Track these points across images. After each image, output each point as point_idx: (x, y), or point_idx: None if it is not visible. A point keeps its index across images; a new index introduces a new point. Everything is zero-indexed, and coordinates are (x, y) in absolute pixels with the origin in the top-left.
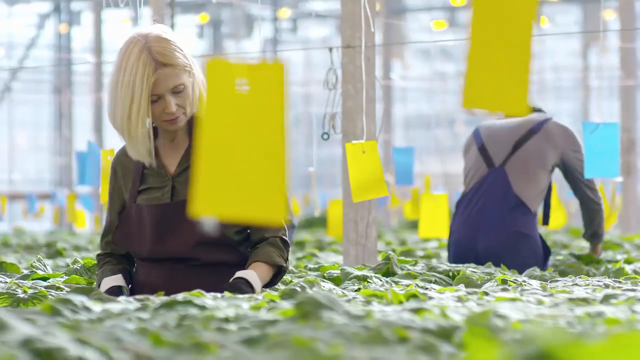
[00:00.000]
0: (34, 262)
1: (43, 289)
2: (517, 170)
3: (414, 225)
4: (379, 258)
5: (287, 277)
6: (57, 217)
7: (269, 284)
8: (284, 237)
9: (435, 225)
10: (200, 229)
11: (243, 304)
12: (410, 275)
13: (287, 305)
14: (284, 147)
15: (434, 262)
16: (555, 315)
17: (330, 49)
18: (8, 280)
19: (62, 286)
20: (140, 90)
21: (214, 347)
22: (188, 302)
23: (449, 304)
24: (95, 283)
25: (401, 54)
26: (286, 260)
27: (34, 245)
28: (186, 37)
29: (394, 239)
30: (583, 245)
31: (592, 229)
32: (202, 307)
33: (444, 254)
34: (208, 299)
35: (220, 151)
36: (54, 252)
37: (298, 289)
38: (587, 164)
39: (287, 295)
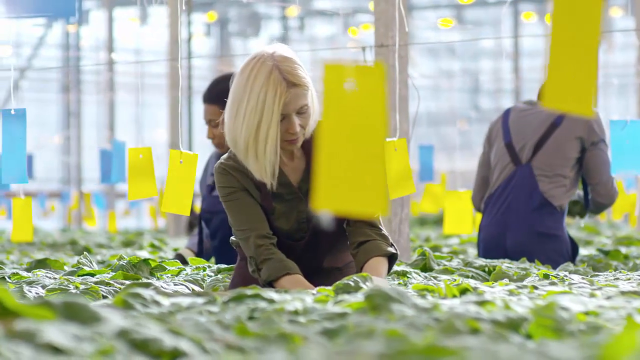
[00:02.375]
0: (80, 258)
1: (94, 285)
2: (543, 168)
3: (422, 222)
4: (412, 254)
5: None
6: (70, 215)
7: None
8: (384, 232)
9: (460, 221)
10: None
11: (307, 297)
12: (447, 271)
13: (355, 298)
14: (383, 145)
15: (461, 257)
16: (615, 306)
17: (364, 48)
18: (57, 276)
19: (111, 282)
20: (270, 111)
21: (298, 338)
22: (256, 296)
23: (505, 297)
24: (264, 275)
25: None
26: (393, 245)
27: (57, 243)
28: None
29: (412, 235)
30: (605, 242)
31: (585, 212)
32: (271, 301)
33: (470, 249)
34: (273, 292)
35: (336, 149)
36: (82, 249)
37: (351, 283)
38: (615, 160)
39: (340, 289)
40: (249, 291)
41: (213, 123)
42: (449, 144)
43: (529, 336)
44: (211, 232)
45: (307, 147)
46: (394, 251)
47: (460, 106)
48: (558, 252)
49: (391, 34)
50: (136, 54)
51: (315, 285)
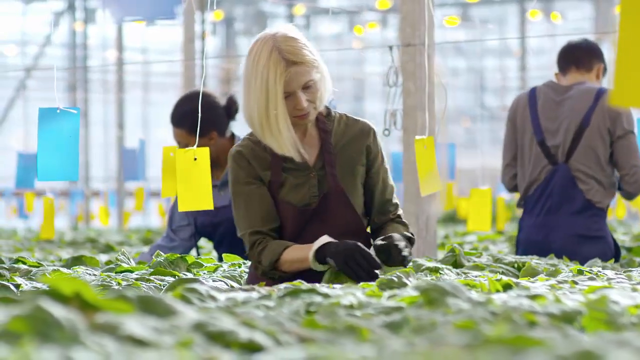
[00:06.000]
0: (118, 255)
1: (135, 281)
2: (580, 167)
3: None
4: (439, 251)
5: None
6: (81, 214)
7: None
8: (404, 219)
9: (483, 218)
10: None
11: (357, 292)
12: (478, 267)
13: (408, 292)
14: None
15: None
16: None
17: (391, 48)
18: (96, 272)
19: (151, 278)
20: (274, 90)
21: (365, 330)
22: (312, 291)
23: (552, 292)
24: (265, 260)
25: None
26: (413, 234)
27: (77, 241)
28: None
29: None
30: (623, 239)
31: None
32: (326, 295)
33: (491, 246)
34: (324, 287)
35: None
36: (105, 247)
37: (395, 279)
38: None
39: (384, 285)
40: (304, 286)
41: (181, 144)
42: (455, 142)
43: (582, 329)
44: (217, 242)
45: (323, 127)
46: (411, 236)
47: (465, 105)
48: (602, 253)
49: (417, 33)
50: (142, 53)
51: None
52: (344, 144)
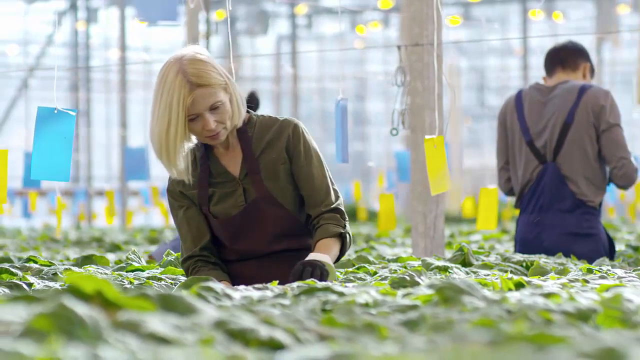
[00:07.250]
0: (129, 254)
1: (147, 280)
2: (568, 165)
3: None
4: (446, 250)
5: (371, 268)
6: (82, 213)
7: (341, 253)
8: (338, 206)
9: (490, 217)
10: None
11: (371, 290)
12: (486, 266)
13: (422, 291)
14: None
15: (496, 252)
16: None
17: (399, 47)
18: (107, 271)
19: (162, 277)
20: (176, 113)
21: (384, 329)
22: (327, 289)
23: (566, 290)
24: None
25: None
26: (344, 226)
27: (83, 241)
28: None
29: None
30: (628, 238)
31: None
32: (341, 294)
33: (497, 246)
34: (337, 285)
35: None
36: (111, 246)
37: (407, 277)
38: None
39: (396, 284)
40: (318, 284)
41: None
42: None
43: (597, 327)
44: None
45: (244, 136)
46: (342, 231)
47: (466, 104)
48: (595, 250)
49: (425, 33)
50: (145, 52)
51: (274, 268)
52: (264, 148)
